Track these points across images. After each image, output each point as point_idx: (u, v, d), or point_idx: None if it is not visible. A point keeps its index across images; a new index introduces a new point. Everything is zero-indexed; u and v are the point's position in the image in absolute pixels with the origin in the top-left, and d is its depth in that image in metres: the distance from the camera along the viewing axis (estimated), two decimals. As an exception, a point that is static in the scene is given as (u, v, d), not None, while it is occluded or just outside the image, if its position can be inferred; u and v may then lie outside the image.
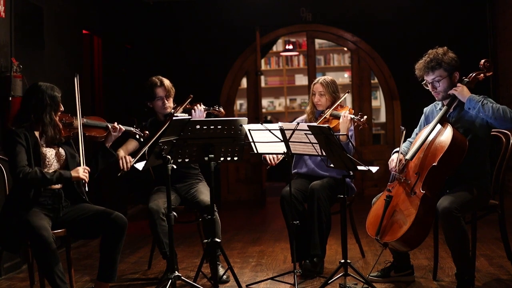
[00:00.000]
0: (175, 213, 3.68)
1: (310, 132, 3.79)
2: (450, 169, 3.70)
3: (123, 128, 3.92)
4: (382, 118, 10.08)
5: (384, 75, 8.56)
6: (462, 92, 3.75)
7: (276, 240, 5.64)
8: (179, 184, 4.44)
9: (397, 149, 4.04)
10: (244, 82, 9.40)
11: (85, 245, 5.66)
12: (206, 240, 3.89)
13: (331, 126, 3.81)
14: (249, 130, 3.95)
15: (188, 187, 4.44)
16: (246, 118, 3.92)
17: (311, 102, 4.60)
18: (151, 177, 4.56)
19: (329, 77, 4.63)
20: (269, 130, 3.93)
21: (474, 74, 3.87)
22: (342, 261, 3.79)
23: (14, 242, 3.51)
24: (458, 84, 3.81)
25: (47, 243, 3.35)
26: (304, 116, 4.70)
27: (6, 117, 4.61)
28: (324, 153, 3.83)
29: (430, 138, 3.79)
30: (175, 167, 3.67)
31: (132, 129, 4.02)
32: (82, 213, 3.68)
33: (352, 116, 4.27)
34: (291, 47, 10.84)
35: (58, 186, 3.66)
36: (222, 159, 3.91)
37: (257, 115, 8.47)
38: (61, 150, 3.72)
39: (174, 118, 3.65)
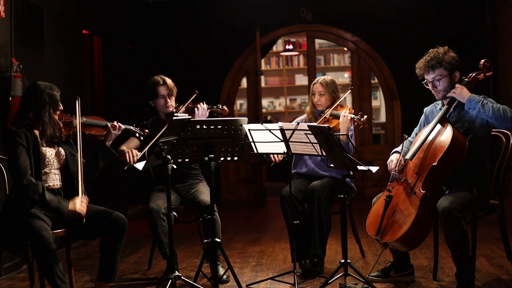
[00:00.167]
0: (175, 213, 3.67)
1: (310, 132, 3.79)
2: (450, 169, 3.70)
3: (123, 126, 3.92)
4: (382, 118, 10.08)
5: (384, 75, 8.56)
6: (461, 93, 3.75)
7: (276, 240, 5.64)
8: (179, 184, 4.44)
9: (396, 149, 4.04)
10: (244, 82, 9.40)
11: (85, 245, 5.66)
12: (206, 240, 3.89)
13: (331, 126, 3.81)
14: (249, 130, 3.95)
15: (188, 187, 4.44)
16: (246, 118, 3.92)
17: (311, 102, 4.60)
18: (151, 177, 4.57)
19: (328, 77, 4.63)
20: (269, 130, 3.93)
21: (474, 74, 3.87)
22: (342, 261, 3.79)
23: (14, 242, 3.51)
24: (457, 85, 3.80)
25: (47, 243, 3.34)
26: (303, 116, 4.70)
27: (6, 117, 4.61)
28: (324, 153, 3.83)
29: (430, 138, 3.79)
30: (175, 167, 3.67)
31: (131, 127, 4.03)
32: (82, 213, 3.68)
33: (352, 115, 4.27)
34: (291, 47, 10.84)
35: (57, 186, 3.66)
36: (222, 159, 3.90)
37: (257, 115, 8.47)
38: (61, 150, 3.72)
39: (174, 118, 3.65)
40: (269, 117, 11.29)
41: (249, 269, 4.56)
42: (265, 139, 3.98)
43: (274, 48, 10.81)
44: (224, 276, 4.16)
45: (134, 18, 8.23)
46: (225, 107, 4.57)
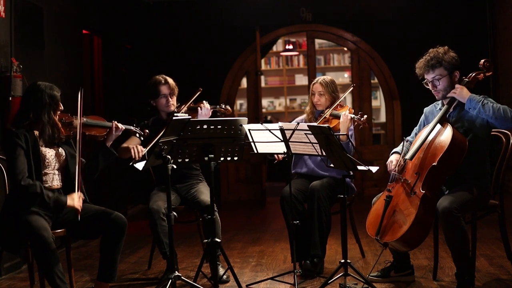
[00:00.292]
0: (175, 213, 3.67)
1: (310, 132, 3.79)
2: (450, 169, 3.70)
3: (123, 127, 3.92)
4: (382, 118, 10.08)
5: (384, 75, 8.56)
6: (461, 93, 3.75)
7: (276, 240, 5.64)
8: (179, 184, 4.44)
9: (396, 149, 4.04)
10: (244, 82, 9.40)
11: (85, 245, 5.66)
12: (206, 240, 3.89)
13: (331, 126, 3.82)
14: (249, 130, 3.95)
15: (188, 187, 4.44)
16: (246, 118, 3.91)
17: (311, 102, 4.60)
18: (152, 178, 4.57)
19: (328, 77, 4.63)
20: (269, 130, 3.93)
21: (474, 74, 3.87)
22: (342, 261, 3.78)
23: (14, 242, 3.51)
24: (457, 86, 3.80)
25: (47, 243, 3.34)
26: (303, 116, 4.70)
27: (6, 117, 4.61)
28: (324, 153, 3.83)
29: (430, 138, 3.79)
30: (175, 167, 3.67)
31: (132, 128, 4.03)
32: (82, 213, 3.67)
33: (352, 115, 4.26)
34: (291, 47, 10.84)
35: (57, 186, 3.66)
36: (222, 159, 3.90)
37: (257, 115, 8.47)
38: (61, 150, 3.72)
39: (174, 118, 3.65)
40: (269, 117, 11.29)
41: (249, 269, 4.56)
42: (265, 139, 3.98)
43: (274, 48, 10.81)
44: (224, 276, 4.16)
45: (134, 18, 8.23)
46: (228, 107, 4.58)
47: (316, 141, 3.80)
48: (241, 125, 3.85)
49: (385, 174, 4.14)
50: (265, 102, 11.27)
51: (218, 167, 4.11)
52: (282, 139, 3.92)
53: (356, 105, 8.59)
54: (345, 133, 4.21)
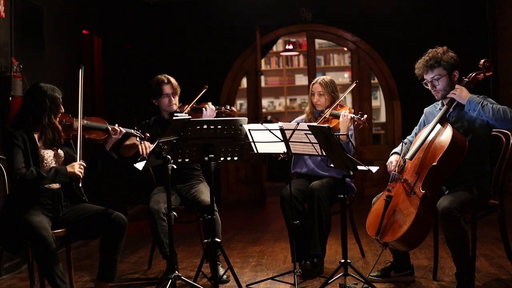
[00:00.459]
0: (175, 213, 3.67)
1: (310, 132, 3.79)
2: (450, 169, 3.70)
3: (124, 130, 3.91)
4: (382, 118, 10.08)
5: (384, 75, 8.56)
6: (461, 94, 3.75)
7: (276, 240, 5.64)
8: (180, 185, 4.44)
9: (396, 150, 4.04)
10: (244, 82, 9.40)
11: (85, 245, 5.66)
12: (206, 240, 3.89)
13: (331, 126, 3.81)
14: (249, 130, 3.95)
15: (188, 187, 4.45)
16: (246, 118, 3.92)
17: (310, 102, 4.60)
18: (152, 178, 4.56)
19: (327, 77, 4.63)
20: (269, 130, 3.93)
21: (473, 74, 3.87)
22: (342, 261, 3.79)
23: (14, 242, 3.51)
24: (457, 86, 3.80)
25: (47, 243, 3.35)
26: (303, 116, 4.70)
27: (6, 117, 4.61)
28: (324, 153, 3.83)
29: (430, 138, 3.79)
30: (175, 167, 3.67)
31: (132, 131, 4.02)
32: (82, 213, 3.68)
33: (352, 115, 4.26)
34: (291, 47, 10.84)
35: (57, 186, 3.66)
36: (222, 159, 3.90)
37: (257, 115, 8.47)
38: (60, 152, 3.71)
39: (174, 117, 3.65)
40: (269, 117, 11.29)
41: (249, 269, 4.57)
42: (265, 139, 3.98)
43: (274, 48, 10.81)
44: (224, 276, 4.16)
45: (134, 18, 8.22)
46: (233, 108, 4.58)
47: (316, 141, 3.80)
48: (241, 125, 3.85)
49: (385, 174, 4.14)
50: (265, 102, 11.27)
51: (218, 167, 4.11)
52: (282, 139, 3.92)
53: (356, 105, 8.59)
54: (345, 133, 4.21)
